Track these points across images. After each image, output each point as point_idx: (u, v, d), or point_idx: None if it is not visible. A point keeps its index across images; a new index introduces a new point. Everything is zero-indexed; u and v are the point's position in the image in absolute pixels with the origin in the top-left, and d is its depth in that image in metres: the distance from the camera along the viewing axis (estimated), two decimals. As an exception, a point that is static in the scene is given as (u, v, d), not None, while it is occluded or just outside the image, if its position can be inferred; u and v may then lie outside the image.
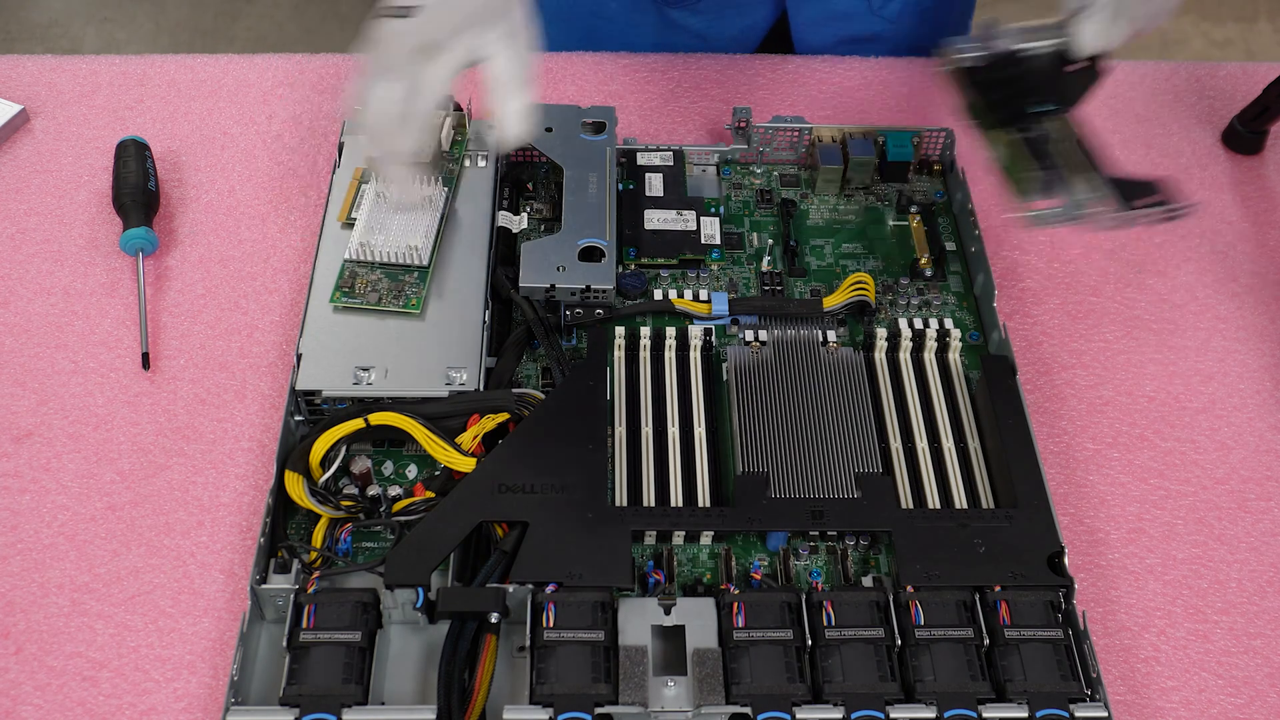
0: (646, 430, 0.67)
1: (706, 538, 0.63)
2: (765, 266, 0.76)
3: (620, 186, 0.79)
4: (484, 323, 0.68)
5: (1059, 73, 0.69)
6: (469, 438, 0.63)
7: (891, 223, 0.79)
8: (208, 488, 0.66)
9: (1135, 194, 0.67)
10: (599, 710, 0.54)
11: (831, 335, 0.71)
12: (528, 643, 0.56)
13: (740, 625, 0.57)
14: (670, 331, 0.70)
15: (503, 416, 0.64)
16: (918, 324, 0.71)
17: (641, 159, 0.80)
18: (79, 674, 0.59)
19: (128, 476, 0.66)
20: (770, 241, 0.78)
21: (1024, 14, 0.70)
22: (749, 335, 0.70)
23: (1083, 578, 0.65)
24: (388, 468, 0.66)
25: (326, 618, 0.56)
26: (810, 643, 0.57)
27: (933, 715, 0.55)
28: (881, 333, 0.70)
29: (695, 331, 0.70)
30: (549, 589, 0.57)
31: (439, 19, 0.60)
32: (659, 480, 0.65)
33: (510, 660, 0.59)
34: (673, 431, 0.67)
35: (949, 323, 0.71)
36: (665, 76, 0.90)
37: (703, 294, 0.73)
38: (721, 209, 0.79)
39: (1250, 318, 0.77)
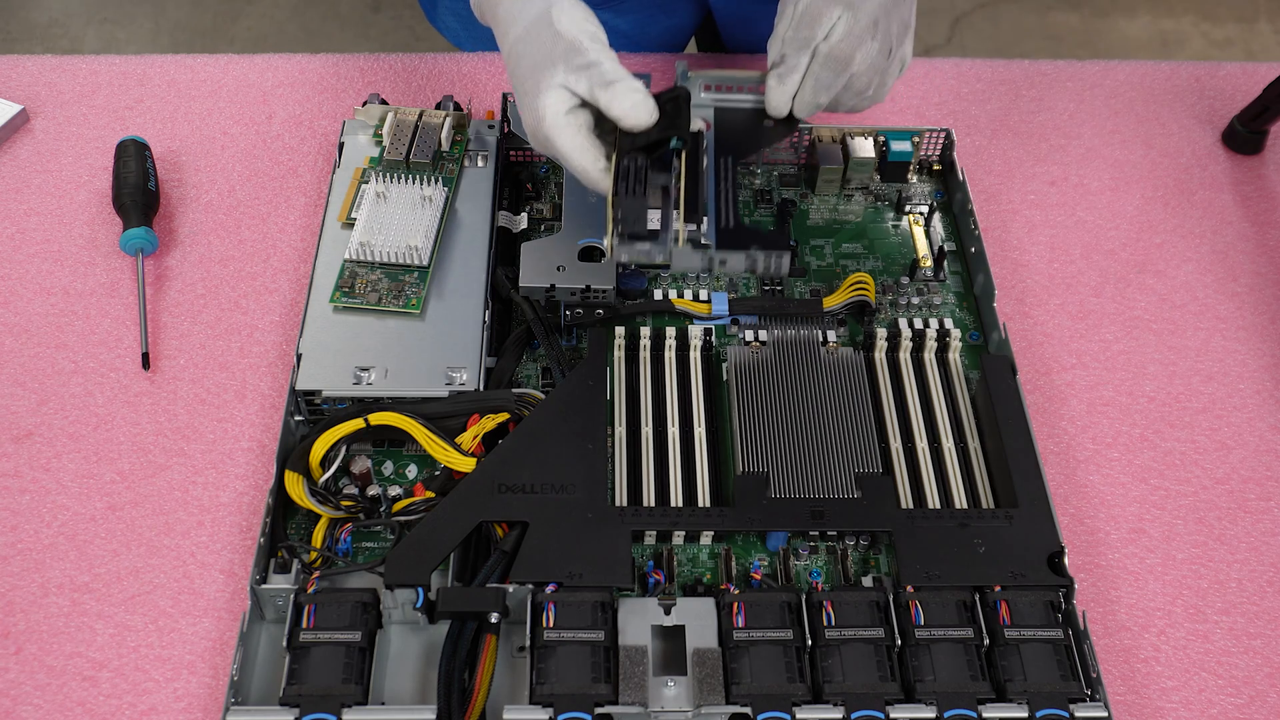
0: (646, 430, 0.67)
1: (706, 538, 0.63)
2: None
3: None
4: (484, 323, 0.68)
5: (757, 125, 0.67)
6: (469, 438, 0.63)
7: (891, 223, 0.79)
8: (208, 488, 0.66)
9: (747, 242, 0.64)
10: (599, 710, 0.54)
11: (831, 335, 0.71)
12: (528, 643, 0.56)
13: (740, 625, 0.57)
14: (670, 331, 0.70)
15: (503, 416, 0.64)
16: (918, 324, 0.71)
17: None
18: (79, 674, 0.59)
19: (128, 476, 0.66)
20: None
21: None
22: (749, 335, 0.70)
23: (1083, 578, 0.65)
24: (388, 468, 0.66)
25: (326, 618, 0.56)
26: (810, 643, 0.57)
27: (933, 715, 0.55)
28: (881, 333, 0.70)
29: (695, 331, 0.70)
30: (549, 589, 0.57)
31: None
32: (659, 480, 0.65)
33: (510, 660, 0.59)
34: (673, 431, 0.67)
35: (949, 323, 0.71)
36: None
37: (703, 294, 0.73)
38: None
39: (1250, 318, 0.77)
